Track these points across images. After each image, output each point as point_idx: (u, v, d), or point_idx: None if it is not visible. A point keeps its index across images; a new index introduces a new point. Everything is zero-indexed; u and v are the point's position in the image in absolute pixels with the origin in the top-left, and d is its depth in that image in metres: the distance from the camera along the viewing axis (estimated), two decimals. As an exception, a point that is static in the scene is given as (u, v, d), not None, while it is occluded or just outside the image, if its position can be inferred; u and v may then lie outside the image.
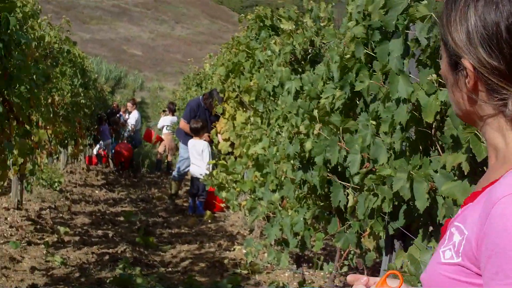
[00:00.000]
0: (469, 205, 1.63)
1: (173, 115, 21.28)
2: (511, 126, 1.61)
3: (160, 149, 21.04)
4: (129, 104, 22.42)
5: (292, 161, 5.94)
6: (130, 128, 21.26)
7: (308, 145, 5.16)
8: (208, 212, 11.79)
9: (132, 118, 21.45)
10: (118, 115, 22.06)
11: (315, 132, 4.94)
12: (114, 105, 23.89)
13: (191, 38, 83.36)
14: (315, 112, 4.96)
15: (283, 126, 6.47)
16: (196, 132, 12.03)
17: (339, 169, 4.89)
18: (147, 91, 55.36)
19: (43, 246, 8.21)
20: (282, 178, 6.53)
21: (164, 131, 21.01)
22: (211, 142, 11.94)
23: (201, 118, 12.20)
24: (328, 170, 4.93)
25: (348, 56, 4.39)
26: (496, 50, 1.54)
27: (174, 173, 13.33)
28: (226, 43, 11.32)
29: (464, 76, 1.61)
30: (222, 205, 11.06)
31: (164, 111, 22.72)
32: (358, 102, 4.59)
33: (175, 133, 15.02)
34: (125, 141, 20.79)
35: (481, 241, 1.48)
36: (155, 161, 21.69)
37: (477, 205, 1.57)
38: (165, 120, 21.10)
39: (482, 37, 1.56)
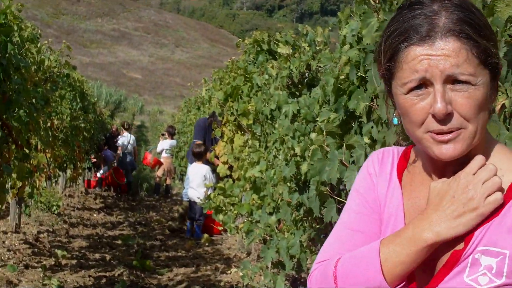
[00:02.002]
0: (484, 229, 1.65)
1: (172, 138, 21.32)
2: None
3: (159, 172, 21.03)
4: (122, 128, 22.34)
5: (288, 184, 5.96)
6: (118, 150, 20.96)
7: (304, 167, 5.18)
8: (206, 235, 11.79)
9: (120, 140, 21.14)
10: (116, 138, 22.01)
11: (310, 152, 4.95)
12: (113, 128, 23.84)
13: (191, 62, 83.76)
14: (313, 134, 4.99)
15: (280, 149, 6.50)
16: (199, 157, 12.10)
17: (335, 191, 4.91)
18: (147, 115, 55.45)
19: (40, 269, 8.20)
20: (279, 201, 6.55)
21: (163, 154, 21.02)
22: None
23: (208, 137, 12.26)
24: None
25: (342, 77, 4.42)
26: None
27: (183, 192, 13.30)
28: (217, 70, 11.40)
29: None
30: (220, 228, 11.06)
31: (163, 134, 22.71)
32: (353, 125, 4.62)
33: (186, 155, 14.96)
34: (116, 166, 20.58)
35: None
36: (154, 185, 21.67)
37: (505, 222, 1.61)
38: (164, 144, 21.12)
39: None
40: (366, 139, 3.95)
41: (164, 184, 21.33)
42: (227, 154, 9.92)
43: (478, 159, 1.68)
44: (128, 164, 20.68)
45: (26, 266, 8.35)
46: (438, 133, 1.68)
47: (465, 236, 1.66)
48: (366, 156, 4.00)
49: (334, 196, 4.80)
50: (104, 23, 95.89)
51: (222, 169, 10.41)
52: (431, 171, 1.84)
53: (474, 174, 1.66)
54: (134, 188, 20.68)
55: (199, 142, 12.42)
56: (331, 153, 4.58)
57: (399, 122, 1.85)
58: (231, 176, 10.03)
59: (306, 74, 6.32)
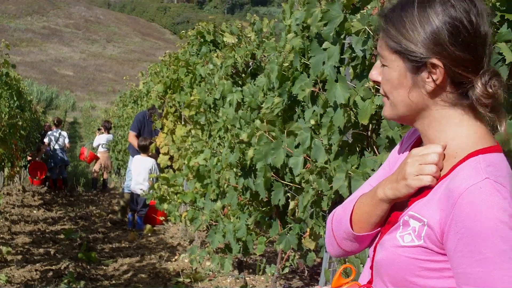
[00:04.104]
0: (420, 200, 1.89)
1: (108, 133, 21.26)
2: (472, 114, 1.89)
3: (96, 167, 20.96)
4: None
5: (234, 169, 6.14)
6: (42, 147, 20.44)
7: (250, 152, 5.36)
8: (148, 226, 11.89)
9: (47, 136, 20.56)
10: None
11: (256, 138, 5.14)
12: (46, 126, 23.64)
13: (123, 57, 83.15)
14: (258, 121, 5.18)
15: (224, 137, 6.67)
16: (144, 150, 12.13)
17: (280, 174, 5.11)
18: (79, 111, 54.95)
19: (-14, 266, 8.24)
20: (225, 187, 6.71)
21: (100, 149, 20.95)
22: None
23: (147, 130, 12.33)
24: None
25: (286, 65, 4.63)
26: (463, 42, 1.81)
27: (125, 184, 13.25)
28: (153, 64, 11.49)
29: (429, 73, 1.85)
30: (162, 218, 11.20)
31: (99, 129, 22.61)
32: (296, 110, 4.83)
33: (128, 148, 14.90)
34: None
35: (449, 226, 1.76)
36: (91, 180, 21.59)
37: (432, 198, 1.85)
38: (101, 139, 21.04)
39: (449, 34, 1.81)
40: (313, 122, 4.15)
41: (101, 179, 21.28)
42: (168, 145, 10.04)
43: (433, 145, 1.91)
44: (60, 160, 20.30)
45: (-28, 264, 8.38)
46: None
47: (408, 203, 1.94)
48: (311, 139, 4.22)
49: (280, 180, 5.02)
50: (34, 21, 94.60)
51: (163, 160, 10.54)
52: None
53: (421, 154, 1.91)
54: (70, 184, 20.57)
55: (134, 133, 12.50)
56: (275, 142, 4.79)
57: None
58: (171, 166, 10.16)
59: (251, 64, 6.50)
